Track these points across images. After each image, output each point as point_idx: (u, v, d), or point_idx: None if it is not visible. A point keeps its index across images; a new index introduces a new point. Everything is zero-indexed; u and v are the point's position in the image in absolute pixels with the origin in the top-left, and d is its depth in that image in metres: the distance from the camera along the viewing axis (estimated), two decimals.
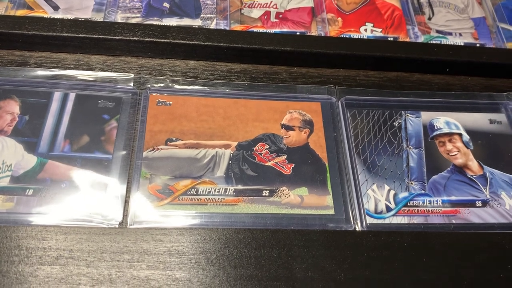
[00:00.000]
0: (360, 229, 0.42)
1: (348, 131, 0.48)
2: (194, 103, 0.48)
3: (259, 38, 0.50)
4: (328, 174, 0.45)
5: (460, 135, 0.49)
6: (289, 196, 0.43)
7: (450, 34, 0.57)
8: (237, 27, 0.54)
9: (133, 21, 0.53)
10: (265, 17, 0.55)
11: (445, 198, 0.45)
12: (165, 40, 0.49)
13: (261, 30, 0.54)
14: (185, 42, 0.49)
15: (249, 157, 0.45)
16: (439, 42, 0.56)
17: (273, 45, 0.50)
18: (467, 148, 0.49)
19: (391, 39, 0.56)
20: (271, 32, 0.53)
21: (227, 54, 0.50)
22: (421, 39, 0.56)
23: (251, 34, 0.51)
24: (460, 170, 0.47)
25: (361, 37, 0.55)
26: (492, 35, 0.58)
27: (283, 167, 0.45)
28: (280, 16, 0.55)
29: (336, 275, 0.38)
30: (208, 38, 0.50)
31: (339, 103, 0.50)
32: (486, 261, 0.40)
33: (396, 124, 0.49)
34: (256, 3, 0.56)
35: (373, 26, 0.56)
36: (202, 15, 0.54)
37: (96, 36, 0.48)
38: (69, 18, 0.51)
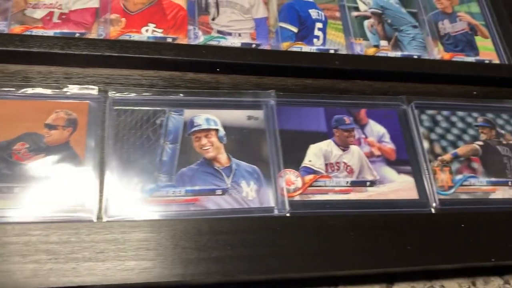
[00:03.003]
0: (104, 220, 0.50)
1: (110, 129, 0.55)
2: None
3: (28, 41, 0.55)
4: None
5: (217, 130, 0.57)
6: None
7: (230, 34, 0.65)
8: (17, 28, 0.58)
9: None
10: (48, 17, 0.60)
11: (188, 188, 0.53)
12: None
13: (40, 31, 0.58)
14: None
15: (6, 156, 0.51)
16: (217, 43, 0.64)
17: (42, 47, 0.55)
18: (221, 142, 0.57)
19: (170, 39, 0.62)
20: (45, 34, 0.58)
21: None
22: (201, 39, 0.63)
23: (20, 37, 0.56)
24: (209, 162, 0.56)
25: (141, 38, 0.61)
26: (271, 35, 0.67)
27: None
28: (63, 16, 0.60)
29: (59, 259, 0.45)
30: None
31: (108, 102, 0.56)
32: (205, 243, 0.49)
33: (158, 121, 0.57)
34: (40, 4, 0.60)
35: (155, 27, 0.63)
36: None
37: None
38: None
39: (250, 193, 0.55)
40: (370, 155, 0.61)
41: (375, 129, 0.64)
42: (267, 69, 0.63)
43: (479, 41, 0.76)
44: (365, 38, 0.71)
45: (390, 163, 0.61)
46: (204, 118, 0.58)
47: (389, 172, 0.61)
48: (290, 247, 0.52)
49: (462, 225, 0.57)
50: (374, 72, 0.66)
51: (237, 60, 0.61)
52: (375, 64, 0.67)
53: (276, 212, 0.54)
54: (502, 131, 0.68)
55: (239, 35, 0.65)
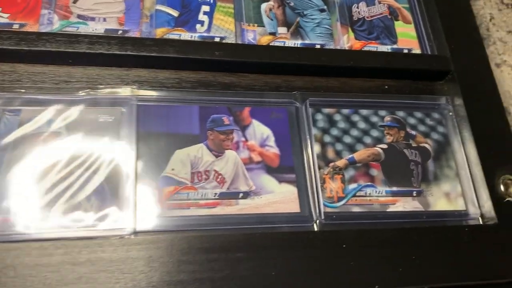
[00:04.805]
0: None
1: None
2: None
3: None
4: None
5: (58, 134, 0.50)
6: None
7: (93, 19, 0.57)
8: None
9: None
10: None
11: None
12: None
13: None
14: None
15: None
16: (75, 29, 0.56)
17: None
18: None
19: (17, 26, 0.54)
20: None
21: None
22: (56, 25, 0.56)
23: None
24: None
25: None
26: (145, 19, 0.58)
27: None
28: None
29: None
30: None
31: None
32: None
33: None
34: None
35: (1, 11, 0.54)
36: None
37: None
38: None
39: (90, 211, 0.48)
40: (248, 162, 0.54)
41: (259, 130, 0.56)
42: (132, 61, 0.55)
43: (400, 26, 0.68)
44: (261, 24, 0.63)
45: (272, 170, 0.54)
46: (46, 119, 0.51)
47: (268, 181, 0.53)
48: (123, 277, 0.44)
49: (344, 246, 0.50)
50: (265, 64, 0.59)
51: (91, 50, 0.53)
52: (266, 55, 0.58)
53: (116, 233, 0.47)
54: (413, 132, 0.60)
55: (104, 20, 0.57)
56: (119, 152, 0.50)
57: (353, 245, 0.50)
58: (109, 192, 0.49)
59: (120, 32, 0.57)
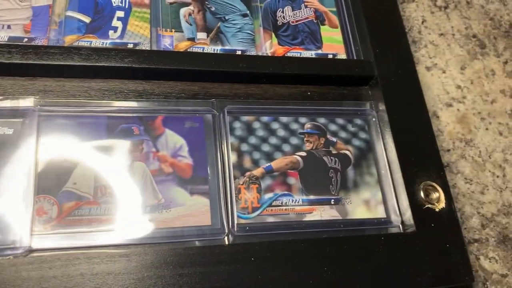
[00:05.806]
0: None
1: None
2: None
3: None
4: None
5: None
6: None
7: None
8: None
9: None
10: None
11: None
12: None
13: None
14: None
15: None
16: None
17: None
18: None
19: None
20: None
21: None
22: None
23: None
24: None
25: None
26: (53, 26, 0.56)
27: None
28: None
29: None
30: None
31: None
32: None
33: None
34: None
35: None
36: None
37: None
38: None
39: None
40: (158, 173, 0.52)
41: (172, 140, 0.54)
42: (36, 70, 0.53)
43: (326, 31, 0.67)
44: (179, 29, 0.61)
45: (183, 182, 0.52)
46: None
47: (179, 193, 0.52)
48: None
49: (252, 259, 0.48)
50: (181, 71, 0.57)
51: None
52: (181, 62, 0.57)
53: (8, 252, 0.45)
54: (334, 139, 0.59)
55: (9, 27, 0.55)
56: (17, 166, 0.48)
57: (262, 258, 0.48)
58: (4, 208, 0.46)
59: (25, 40, 0.55)
